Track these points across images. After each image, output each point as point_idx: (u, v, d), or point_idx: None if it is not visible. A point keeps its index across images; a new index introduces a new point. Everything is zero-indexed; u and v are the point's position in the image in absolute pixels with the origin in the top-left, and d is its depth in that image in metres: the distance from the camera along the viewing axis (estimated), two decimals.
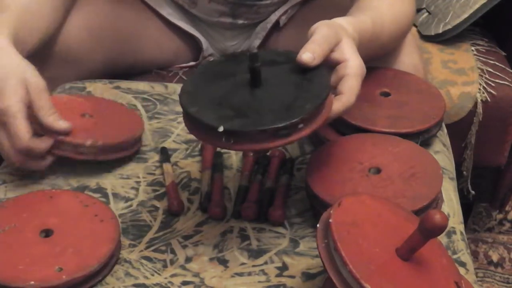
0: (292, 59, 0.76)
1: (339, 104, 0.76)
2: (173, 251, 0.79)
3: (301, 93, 0.73)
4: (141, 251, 0.79)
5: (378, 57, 1.00)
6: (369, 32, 0.89)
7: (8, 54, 0.87)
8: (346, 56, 0.78)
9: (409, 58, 1.08)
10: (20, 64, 0.86)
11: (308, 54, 0.75)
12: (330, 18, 0.87)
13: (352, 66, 0.78)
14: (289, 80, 0.75)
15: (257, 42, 1.22)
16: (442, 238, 0.80)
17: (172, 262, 0.78)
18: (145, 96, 1.07)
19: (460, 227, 0.84)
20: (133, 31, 1.19)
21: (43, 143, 0.84)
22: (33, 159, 0.85)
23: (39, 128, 0.85)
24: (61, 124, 0.84)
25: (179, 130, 1.00)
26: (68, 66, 1.10)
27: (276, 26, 1.20)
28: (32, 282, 0.70)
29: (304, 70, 0.76)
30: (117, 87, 1.08)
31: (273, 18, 1.19)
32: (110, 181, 0.90)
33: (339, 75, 0.78)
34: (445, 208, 0.86)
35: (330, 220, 0.63)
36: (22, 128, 0.81)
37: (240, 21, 1.18)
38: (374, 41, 0.91)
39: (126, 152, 0.92)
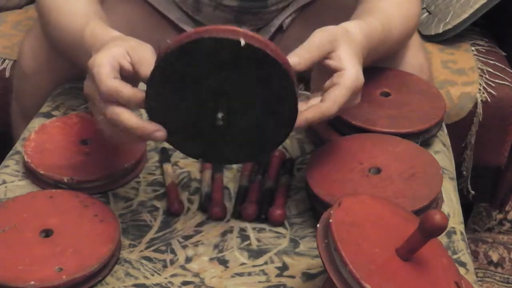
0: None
1: (316, 111, 0.75)
2: (173, 251, 0.79)
3: (270, 120, 0.73)
4: (141, 251, 0.79)
5: (384, 58, 0.99)
6: (379, 35, 0.88)
7: (120, 37, 0.83)
8: (343, 66, 0.77)
9: (414, 58, 1.08)
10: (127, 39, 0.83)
11: (295, 59, 0.75)
12: (332, 18, 0.86)
13: (346, 77, 0.76)
14: (258, 103, 0.73)
15: None
16: (442, 238, 0.80)
17: (172, 262, 0.78)
18: None
19: (460, 227, 0.84)
20: (148, 37, 1.18)
21: (131, 89, 0.74)
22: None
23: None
24: None
25: None
26: None
27: (279, 29, 1.20)
28: (32, 282, 0.70)
29: (275, 87, 0.72)
30: None
31: (276, 22, 1.18)
32: None
33: (333, 82, 0.77)
34: (445, 208, 0.86)
35: (330, 220, 0.63)
36: (104, 71, 0.74)
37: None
38: (382, 44, 0.90)
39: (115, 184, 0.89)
